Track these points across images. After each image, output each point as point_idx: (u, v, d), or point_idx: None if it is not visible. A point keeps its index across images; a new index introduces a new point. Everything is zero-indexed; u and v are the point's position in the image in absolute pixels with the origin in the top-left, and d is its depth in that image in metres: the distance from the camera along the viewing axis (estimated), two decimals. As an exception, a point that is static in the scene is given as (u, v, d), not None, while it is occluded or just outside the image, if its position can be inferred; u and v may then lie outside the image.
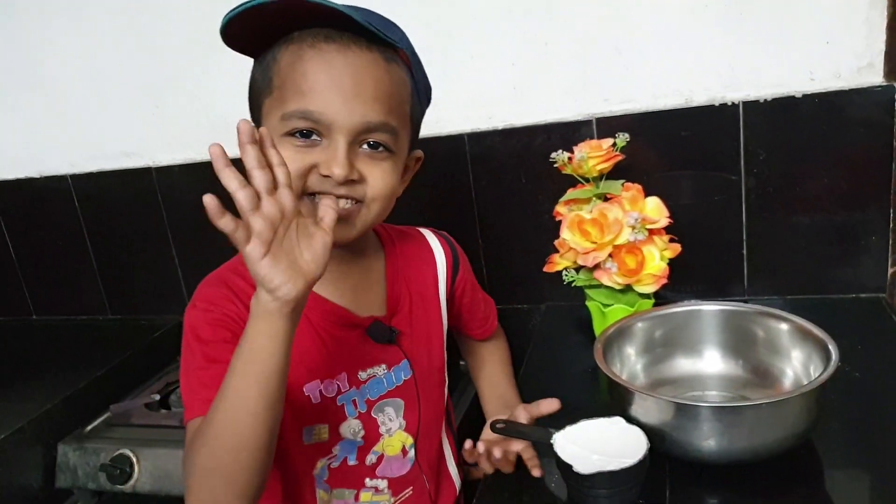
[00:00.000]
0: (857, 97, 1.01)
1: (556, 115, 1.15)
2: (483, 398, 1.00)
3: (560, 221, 1.01)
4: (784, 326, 0.82)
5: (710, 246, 1.12)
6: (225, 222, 0.56)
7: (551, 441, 0.73)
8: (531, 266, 1.13)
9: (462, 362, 1.11)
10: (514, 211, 1.21)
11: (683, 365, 0.88)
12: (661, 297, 1.00)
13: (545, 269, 1.04)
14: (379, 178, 0.72)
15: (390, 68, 0.71)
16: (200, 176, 1.34)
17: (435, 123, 1.18)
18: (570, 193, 1.02)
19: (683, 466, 0.72)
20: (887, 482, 0.70)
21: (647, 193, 0.99)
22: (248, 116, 0.77)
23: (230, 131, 0.76)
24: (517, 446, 0.79)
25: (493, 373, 1.02)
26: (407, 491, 0.85)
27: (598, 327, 1.04)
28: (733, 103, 1.06)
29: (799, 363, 0.80)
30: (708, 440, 0.69)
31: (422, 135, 0.83)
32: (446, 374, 0.92)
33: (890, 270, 1.06)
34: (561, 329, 1.16)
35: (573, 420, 0.75)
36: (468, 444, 0.82)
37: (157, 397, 1.20)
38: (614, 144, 0.99)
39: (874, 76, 1.01)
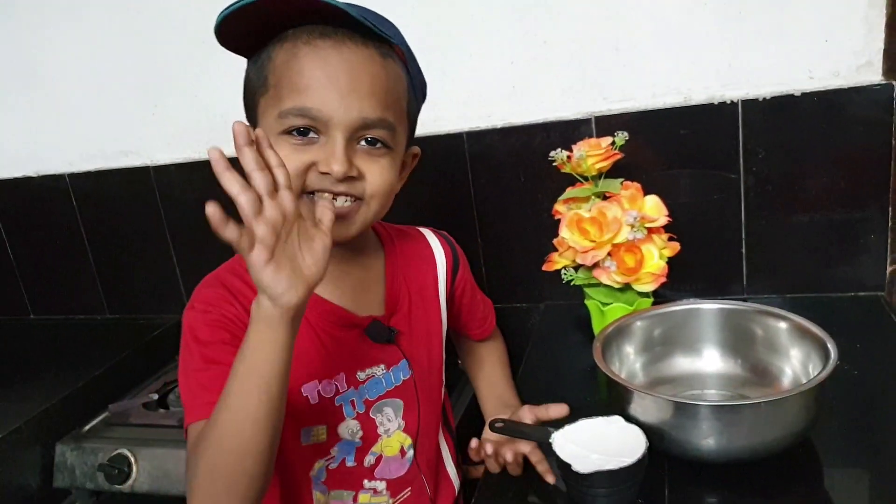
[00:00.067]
0: (855, 95, 1.01)
1: (555, 113, 1.15)
2: (481, 398, 1.00)
3: (559, 220, 1.01)
4: (783, 325, 0.82)
5: (709, 244, 1.12)
6: (229, 231, 0.55)
7: (550, 440, 0.73)
8: (530, 265, 1.13)
9: (460, 362, 1.11)
10: (512, 210, 1.21)
11: (682, 364, 0.88)
12: (660, 296, 1.00)
13: (544, 267, 1.03)
14: (378, 175, 0.72)
15: (386, 64, 0.71)
16: (199, 175, 1.35)
17: (434, 122, 1.18)
18: (569, 192, 1.01)
19: (682, 465, 0.72)
20: (886, 480, 0.70)
21: (646, 192, 0.99)
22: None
23: (229, 130, 0.76)
24: (525, 448, 0.79)
25: (491, 373, 1.01)
26: (406, 492, 0.85)
27: (597, 326, 1.04)
28: (732, 102, 1.06)
29: (798, 362, 0.80)
30: (707, 439, 0.69)
31: (420, 133, 0.83)
32: (444, 374, 0.92)
33: (889, 269, 1.06)
34: (560, 328, 1.16)
35: (572, 419, 0.75)
36: (474, 442, 0.82)
37: (156, 397, 1.20)
38: (613, 143, 0.99)
39: (873, 74, 1.01)
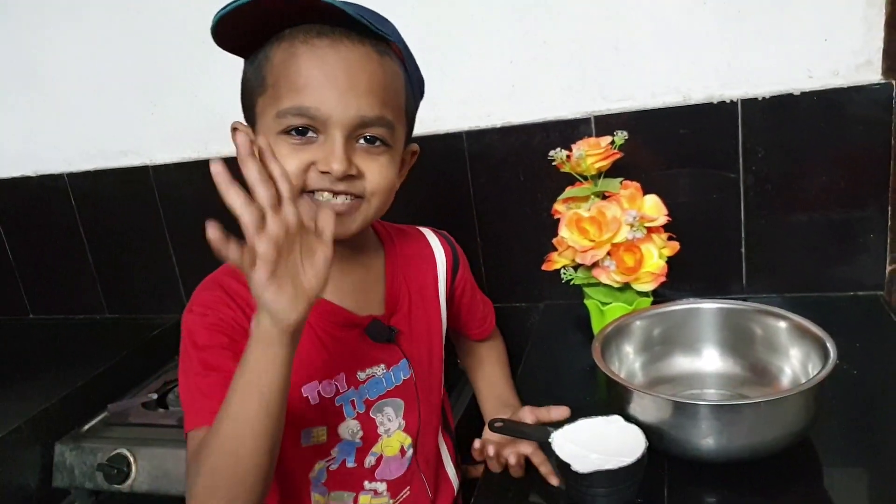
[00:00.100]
0: (855, 95, 1.01)
1: (554, 113, 1.15)
2: (481, 398, 1.00)
3: (558, 219, 1.01)
4: (782, 324, 0.82)
5: (708, 244, 1.12)
6: (231, 252, 0.55)
7: (549, 440, 0.73)
8: (530, 264, 1.13)
9: (459, 362, 1.11)
10: (512, 209, 1.21)
11: (682, 363, 0.88)
12: (660, 296, 1.00)
13: (543, 267, 1.03)
14: (377, 173, 0.72)
15: (384, 62, 0.71)
16: (198, 175, 1.35)
17: (433, 121, 1.18)
18: (569, 191, 1.01)
19: (682, 465, 0.72)
20: (886, 480, 0.70)
21: (646, 191, 0.99)
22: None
23: (228, 130, 0.76)
24: (527, 449, 0.79)
25: (491, 373, 1.01)
26: (405, 491, 0.85)
27: (596, 325, 1.04)
28: (731, 101, 1.06)
29: (797, 361, 0.80)
30: (706, 438, 0.69)
31: (420, 133, 0.83)
32: (443, 374, 0.92)
33: (888, 268, 1.06)
34: (559, 327, 1.16)
35: (571, 419, 0.75)
36: (477, 443, 0.82)
37: (155, 396, 1.20)
38: (612, 142, 0.99)
39: (872, 73, 1.01)
